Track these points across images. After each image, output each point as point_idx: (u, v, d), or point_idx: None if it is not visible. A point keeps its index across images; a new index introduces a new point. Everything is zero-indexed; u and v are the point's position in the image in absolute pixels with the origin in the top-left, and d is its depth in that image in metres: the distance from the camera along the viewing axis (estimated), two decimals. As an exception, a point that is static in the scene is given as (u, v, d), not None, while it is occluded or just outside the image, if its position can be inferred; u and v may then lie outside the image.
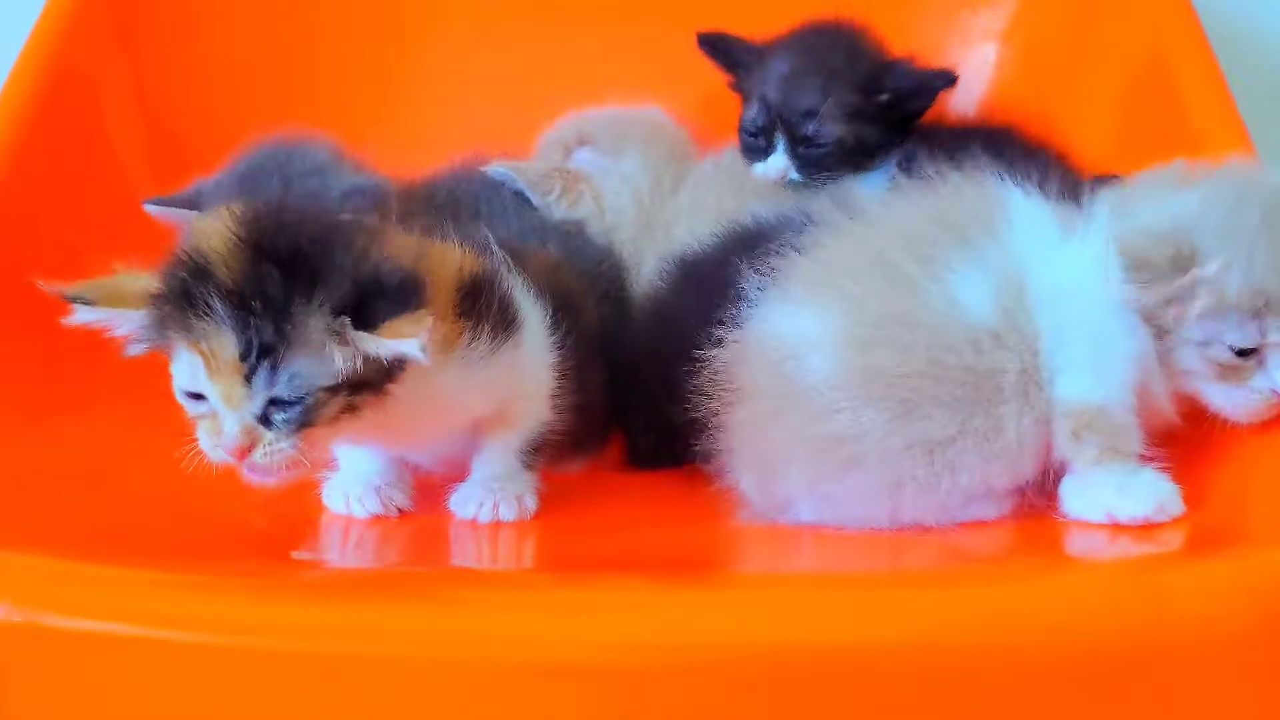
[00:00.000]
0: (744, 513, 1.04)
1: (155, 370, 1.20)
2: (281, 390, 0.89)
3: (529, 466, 1.07)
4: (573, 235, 1.31)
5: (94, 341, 1.18)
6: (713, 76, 1.36)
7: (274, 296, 0.88)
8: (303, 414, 0.89)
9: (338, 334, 0.88)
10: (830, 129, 1.26)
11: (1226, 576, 0.82)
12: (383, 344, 0.88)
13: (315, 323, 0.88)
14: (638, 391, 1.17)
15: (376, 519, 1.03)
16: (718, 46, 1.34)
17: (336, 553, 1.04)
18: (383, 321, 0.88)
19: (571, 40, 1.48)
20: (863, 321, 0.97)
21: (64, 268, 1.20)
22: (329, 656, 0.80)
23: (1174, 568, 0.89)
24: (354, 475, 1.04)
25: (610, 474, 1.21)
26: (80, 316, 0.93)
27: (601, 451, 1.21)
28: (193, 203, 1.21)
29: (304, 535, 1.04)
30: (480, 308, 0.98)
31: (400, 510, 1.05)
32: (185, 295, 0.89)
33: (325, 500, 1.05)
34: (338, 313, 0.88)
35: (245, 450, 0.90)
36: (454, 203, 1.23)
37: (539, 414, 1.05)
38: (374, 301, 0.89)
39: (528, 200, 1.30)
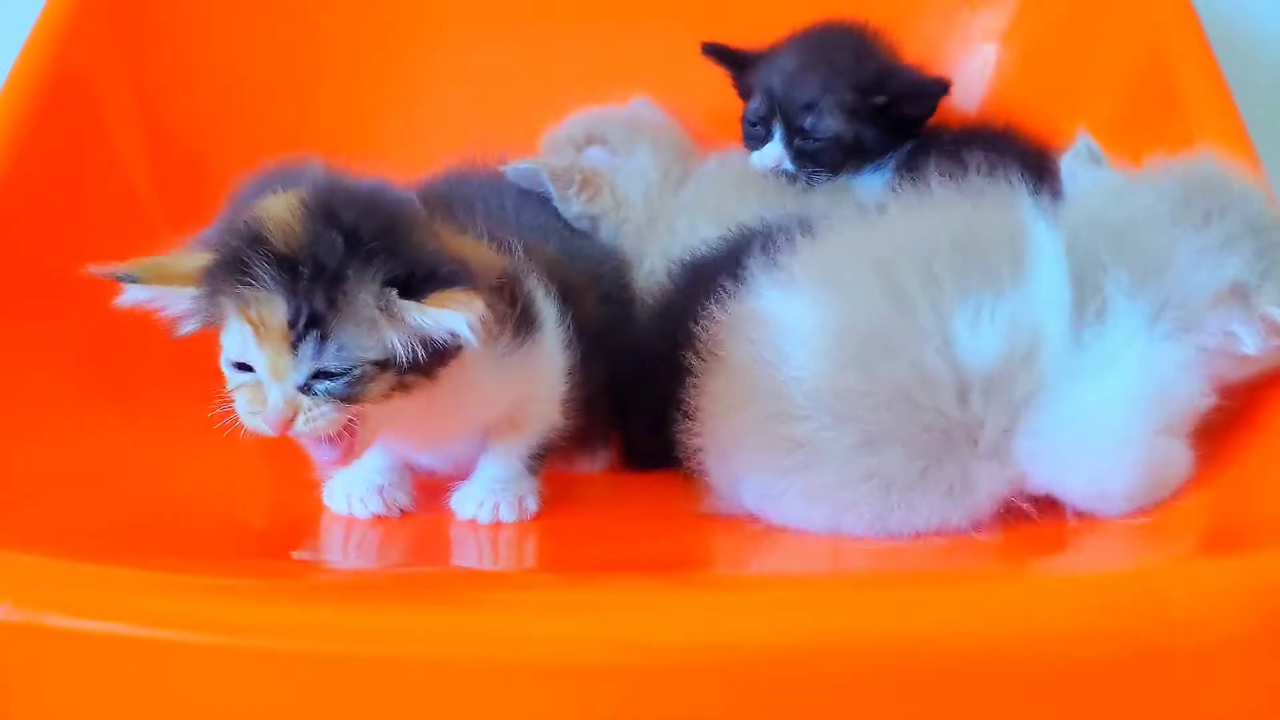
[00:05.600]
0: (707, 503, 1.04)
1: (155, 370, 1.20)
2: (329, 361, 0.88)
3: (533, 470, 1.07)
4: (573, 236, 1.31)
5: (94, 342, 1.18)
6: (714, 77, 1.36)
7: (328, 265, 0.88)
8: (347, 385, 0.89)
9: (388, 307, 0.88)
10: (828, 124, 1.27)
11: (1226, 576, 0.82)
12: (428, 313, 0.88)
13: (367, 295, 0.88)
14: (639, 392, 1.17)
15: (377, 519, 1.03)
16: (721, 53, 1.35)
17: (337, 553, 1.04)
18: (431, 294, 0.88)
19: (571, 41, 1.48)
20: (848, 334, 0.95)
21: (64, 269, 1.20)
22: (329, 656, 0.80)
23: (1174, 568, 0.89)
24: (356, 475, 1.04)
25: (610, 475, 1.21)
26: (130, 296, 0.92)
27: (605, 451, 1.21)
28: None
29: (304, 535, 1.04)
30: (507, 307, 0.98)
31: (402, 510, 1.05)
32: (239, 261, 0.89)
33: (326, 500, 1.05)
34: (389, 286, 0.88)
35: (288, 421, 0.90)
36: (448, 206, 1.23)
37: (549, 417, 1.05)
38: (427, 282, 0.89)
39: (536, 197, 1.31)
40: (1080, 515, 0.98)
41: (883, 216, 1.03)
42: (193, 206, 1.28)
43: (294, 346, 0.88)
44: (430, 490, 1.07)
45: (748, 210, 1.24)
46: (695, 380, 1.03)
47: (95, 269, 0.92)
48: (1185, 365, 0.96)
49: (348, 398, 0.90)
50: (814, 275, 0.99)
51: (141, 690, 0.81)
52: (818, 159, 1.28)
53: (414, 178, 1.29)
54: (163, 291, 0.92)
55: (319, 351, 0.88)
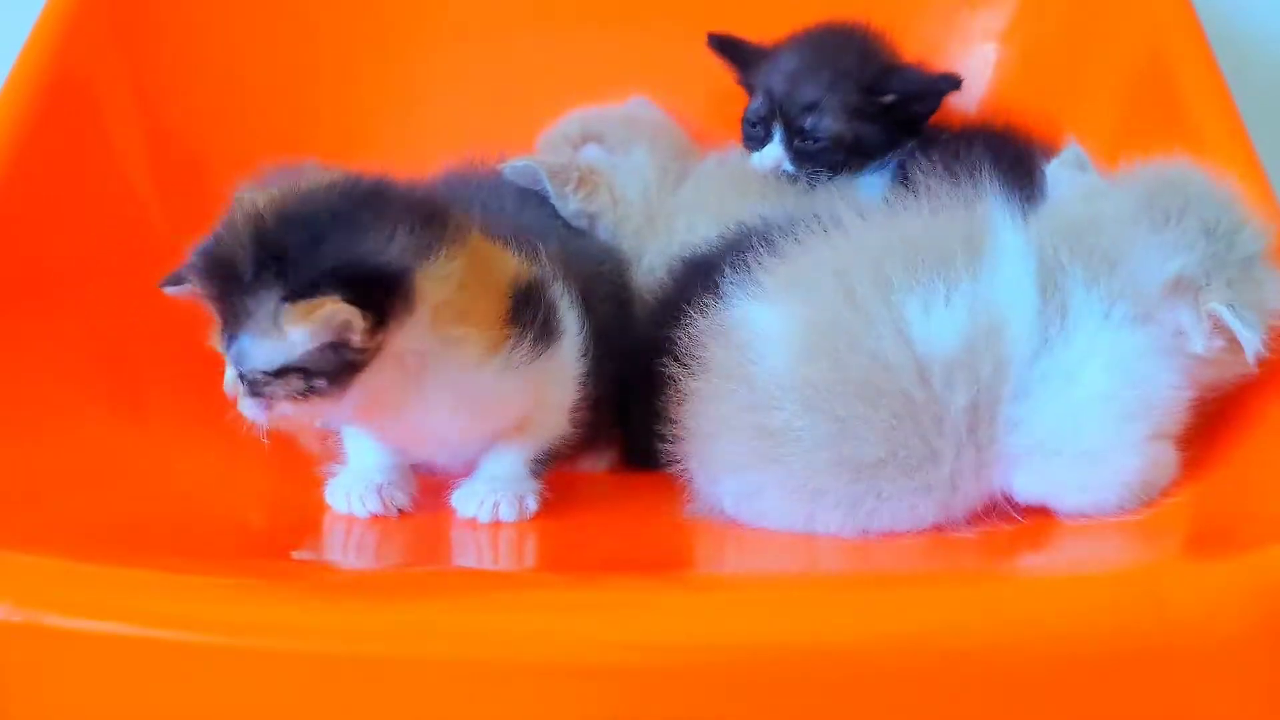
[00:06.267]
0: (690, 508, 1.05)
1: (155, 370, 1.21)
2: (236, 365, 0.94)
3: (535, 472, 1.07)
4: (573, 236, 1.31)
5: (94, 341, 1.18)
6: (715, 76, 1.36)
7: (242, 278, 0.92)
8: (250, 386, 0.94)
9: (278, 321, 0.91)
10: (828, 124, 1.27)
11: (1226, 576, 0.82)
12: (297, 328, 0.91)
13: (267, 309, 0.91)
14: (640, 390, 1.17)
15: (377, 519, 1.03)
16: (726, 46, 1.35)
17: (337, 553, 1.04)
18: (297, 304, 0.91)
19: (571, 40, 1.48)
20: (814, 330, 0.98)
21: (64, 269, 1.20)
22: (329, 656, 0.80)
23: (1174, 568, 0.89)
24: (356, 475, 1.05)
25: (611, 474, 1.21)
26: None
27: (609, 450, 1.21)
28: None
29: (304, 535, 1.04)
30: (529, 316, 0.99)
31: (401, 510, 1.05)
32: (199, 257, 0.95)
33: (328, 499, 1.05)
34: (290, 299, 0.91)
35: (235, 400, 0.96)
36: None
37: (558, 425, 1.06)
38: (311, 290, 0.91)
39: (535, 197, 1.31)
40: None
41: (841, 227, 1.03)
42: (193, 206, 1.28)
43: (226, 346, 0.94)
44: (430, 490, 1.07)
45: (747, 209, 1.24)
46: (675, 386, 1.04)
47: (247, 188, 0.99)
48: (1149, 353, 0.97)
49: (255, 395, 0.94)
50: (780, 284, 1.01)
51: (141, 690, 0.81)
52: (818, 160, 1.28)
53: (413, 178, 1.29)
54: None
55: (240, 361, 0.94)
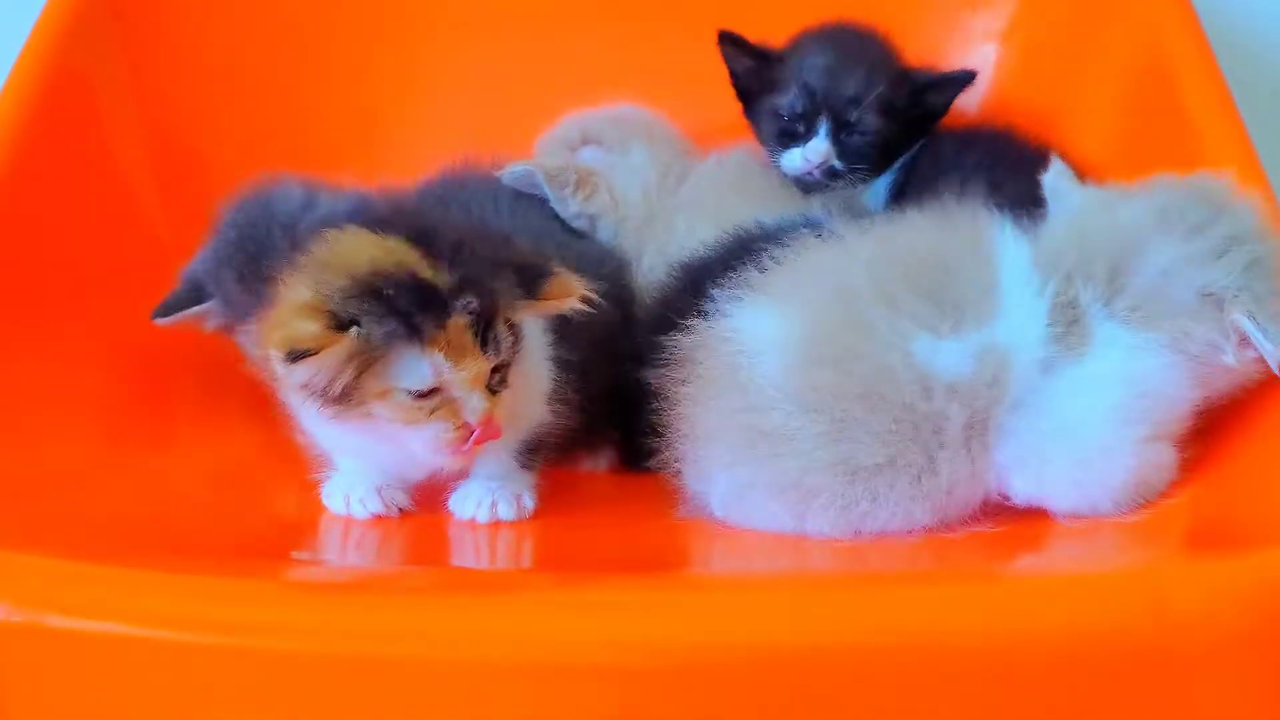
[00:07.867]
0: (682, 510, 1.04)
1: (155, 370, 1.21)
2: (505, 354, 0.98)
3: (527, 466, 1.07)
4: (572, 239, 1.31)
5: (94, 341, 1.19)
6: (713, 77, 1.36)
7: (473, 276, 0.96)
8: (503, 375, 0.98)
9: (516, 299, 0.98)
10: (871, 118, 1.26)
11: (1226, 576, 0.82)
12: (549, 305, 1.00)
13: (501, 292, 0.97)
14: (639, 392, 1.17)
15: (376, 519, 1.03)
16: (739, 43, 1.33)
17: (336, 553, 1.04)
18: (540, 288, 0.99)
19: (571, 41, 1.48)
20: (816, 339, 0.98)
21: (64, 269, 1.20)
22: (329, 656, 0.80)
23: (1174, 567, 0.89)
24: (355, 476, 1.05)
25: (611, 474, 1.21)
26: (299, 375, 0.95)
27: (609, 450, 1.21)
28: (196, 295, 1.20)
29: (304, 535, 1.04)
30: None
31: (401, 510, 1.05)
32: (408, 309, 0.94)
33: (325, 501, 1.05)
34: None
35: (489, 422, 0.97)
36: (444, 209, 1.23)
37: (535, 415, 1.06)
38: (527, 275, 0.99)
39: (535, 200, 1.30)
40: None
41: (850, 239, 1.03)
42: (193, 206, 1.28)
43: (484, 350, 0.96)
44: (429, 490, 1.07)
45: (746, 211, 1.24)
46: (673, 388, 1.04)
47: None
48: (1165, 361, 0.97)
49: (507, 382, 0.98)
50: (781, 289, 1.02)
51: (141, 690, 0.81)
52: (863, 155, 1.27)
53: (414, 178, 1.29)
54: (329, 357, 0.94)
55: (498, 346, 0.96)
